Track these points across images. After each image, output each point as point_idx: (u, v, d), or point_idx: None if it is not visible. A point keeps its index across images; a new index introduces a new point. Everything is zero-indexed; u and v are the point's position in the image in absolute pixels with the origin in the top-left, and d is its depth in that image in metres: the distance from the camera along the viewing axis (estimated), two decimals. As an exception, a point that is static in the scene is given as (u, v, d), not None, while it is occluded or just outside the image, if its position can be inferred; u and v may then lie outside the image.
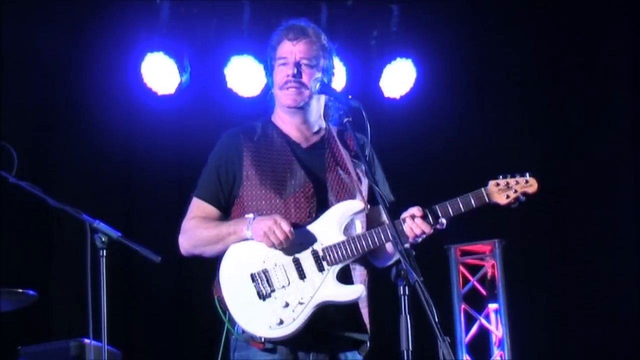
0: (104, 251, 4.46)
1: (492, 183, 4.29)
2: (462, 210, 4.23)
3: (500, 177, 4.30)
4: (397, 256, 4.23)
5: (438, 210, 4.23)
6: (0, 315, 5.93)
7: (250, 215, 4.23)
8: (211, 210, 4.37)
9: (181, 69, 8.27)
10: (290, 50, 4.42)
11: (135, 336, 8.18)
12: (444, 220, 4.24)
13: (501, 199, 4.28)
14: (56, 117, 8.14)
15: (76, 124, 8.12)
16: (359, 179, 4.42)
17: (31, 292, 5.84)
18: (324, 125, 4.53)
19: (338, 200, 4.37)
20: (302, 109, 4.44)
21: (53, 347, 6.49)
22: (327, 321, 4.21)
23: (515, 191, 4.28)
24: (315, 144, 4.48)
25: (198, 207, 4.39)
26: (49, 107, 8.10)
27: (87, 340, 6.13)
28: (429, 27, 8.65)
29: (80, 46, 8.04)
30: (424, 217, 4.20)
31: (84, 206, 4.55)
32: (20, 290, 5.84)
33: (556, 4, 8.61)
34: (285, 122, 4.48)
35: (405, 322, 3.67)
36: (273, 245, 4.15)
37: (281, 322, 4.12)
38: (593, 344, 8.25)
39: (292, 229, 4.15)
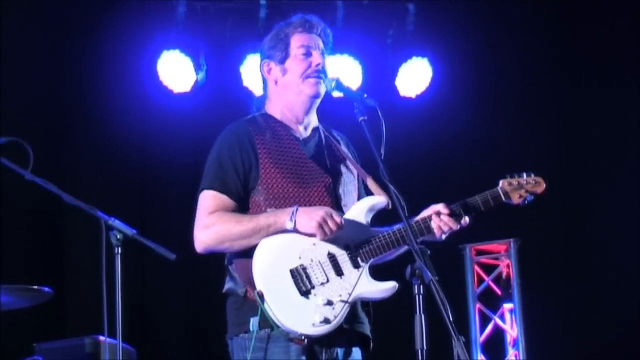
0: (119, 248, 4.45)
1: (504, 182, 4.35)
2: (482, 209, 4.29)
3: (509, 176, 4.36)
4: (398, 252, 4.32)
5: (460, 209, 4.27)
6: (15, 312, 5.94)
7: (288, 208, 4.17)
8: (230, 203, 4.25)
9: (197, 67, 8.28)
10: (312, 40, 4.44)
11: (150, 334, 8.20)
12: (467, 218, 4.27)
13: (515, 198, 4.34)
14: (72, 114, 8.16)
15: (92, 121, 8.15)
16: (358, 171, 4.47)
17: (46, 289, 5.85)
18: (316, 122, 4.53)
19: (350, 193, 4.40)
20: (317, 98, 4.44)
21: (68, 344, 6.51)
22: (348, 316, 4.19)
23: (527, 190, 4.34)
24: (311, 137, 4.49)
25: (216, 201, 4.24)
26: (65, 104, 8.12)
27: (102, 338, 6.15)
28: (445, 26, 8.64)
29: (97, 43, 8.06)
30: (450, 214, 4.24)
31: (99, 203, 4.55)
32: (36, 287, 5.84)
33: (573, 5, 8.59)
34: (285, 114, 4.46)
35: (420, 322, 3.66)
36: (324, 236, 4.12)
37: (326, 321, 4.07)
38: (608, 344, 8.23)
39: (342, 219, 4.15)
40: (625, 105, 8.52)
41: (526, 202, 4.35)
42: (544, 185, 4.37)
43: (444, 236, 4.28)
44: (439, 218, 4.24)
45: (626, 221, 8.37)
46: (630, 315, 8.24)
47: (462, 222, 4.27)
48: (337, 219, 4.12)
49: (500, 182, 4.35)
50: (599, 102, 8.55)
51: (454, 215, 4.25)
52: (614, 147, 8.50)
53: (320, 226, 4.10)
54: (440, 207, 4.27)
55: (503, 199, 4.32)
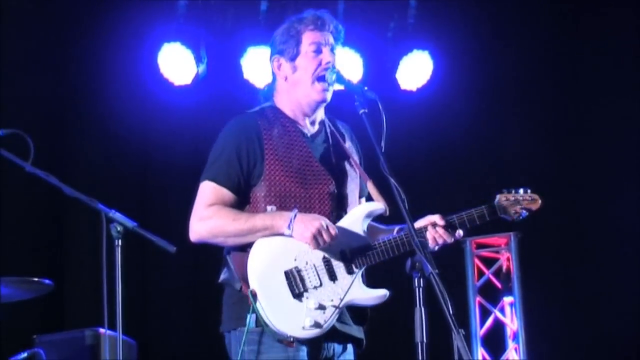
0: (120, 241, 4.46)
1: (502, 197, 4.35)
2: (477, 222, 4.29)
3: (506, 191, 4.36)
4: None
5: (456, 222, 4.27)
6: (16, 304, 5.94)
7: (286, 213, 4.17)
8: (230, 197, 4.24)
9: (198, 60, 8.26)
10: (323, 38, 4.40)
11: (151, 326, 8.20)
12: (461, 232, 4.28)
13: (511, 214, 4.33)
14: (72, 107, 8.16)
15: (92, 114, 8.14)
16: (359, 171, 4.46)
17: (47, 281, 5.86)
18: (323, 115, 4.52)
19: (352, 192, 4.40)
20: (324, 104, 4.43)
21: (68, 336, 6.52)
22: (340, 318, 4.21)
23: (523, 207, 4.34)
24: (318, 133, 4.48)
25: (216, 194, 4.24)
26: (66, 96, 8.12)
27: (102, 330, 6.17)
28: (446, 19, 8.63)
29: (97, 36, 8.05)
30: (446, 226, 4.25)
31: (99, 196, 4.55)
32: (36, 279, 5.86)
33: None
34: (294, 110, 4.44)
35: (420, 315, 3.65)
36: (318, 247, 4.13)
37: (316, 325, 4.08)
38: (608, 337, 8.23)
39: (336, 231, 4.15)
40: (627, 101, 8.51)
41: (520, 217, 4.35)
42: (540, 202, 4.37)
43: (437, 247, 4.28)
44: (434, 230, 4.25)
45: (626, 214, 8.37)
46: (631, 308, 8.24)
47: (457, 234, 4.28)
48: (332, 231, 4.13)
49: (498, 197, 4.34)
50: (601, 96, 8.54)
51: (450, 227, 4.26)
52: (615, 142, 8.49)
53: (315, 238, 4.11)
54: (436, 218, 4.27)
55: (499, 213, 4.31)
